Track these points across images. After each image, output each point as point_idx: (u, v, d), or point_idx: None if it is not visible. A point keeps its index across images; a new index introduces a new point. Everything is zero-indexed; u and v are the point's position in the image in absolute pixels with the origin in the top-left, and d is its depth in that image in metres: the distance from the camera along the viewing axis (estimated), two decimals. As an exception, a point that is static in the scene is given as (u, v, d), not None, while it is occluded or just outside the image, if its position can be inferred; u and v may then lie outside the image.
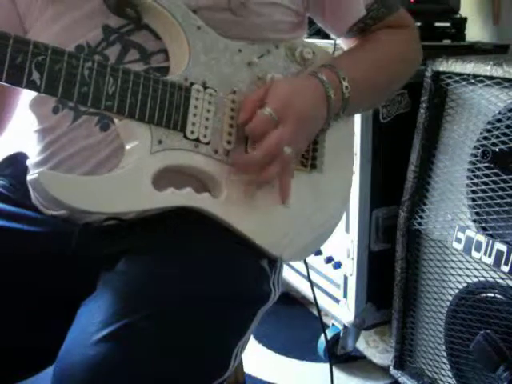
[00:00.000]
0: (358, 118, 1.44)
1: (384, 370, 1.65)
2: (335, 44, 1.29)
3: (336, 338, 1.68)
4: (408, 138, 1.41)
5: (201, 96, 0.77)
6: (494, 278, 1.23)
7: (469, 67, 1.26)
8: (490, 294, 1.24)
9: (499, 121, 1.21)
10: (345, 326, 1.65)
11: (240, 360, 0.97)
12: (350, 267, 1.56)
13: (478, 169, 1.26)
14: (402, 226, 1.43)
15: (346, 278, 1.59)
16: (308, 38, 0.95)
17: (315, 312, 1.79)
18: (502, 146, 1.19)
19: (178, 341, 0.68)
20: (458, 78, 1.31)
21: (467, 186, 1.29)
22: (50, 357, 0.70)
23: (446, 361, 1.38)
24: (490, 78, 1.22)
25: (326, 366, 1.32)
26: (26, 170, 0.90)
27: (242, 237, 0.80)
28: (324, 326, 1.36)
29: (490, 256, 1.21)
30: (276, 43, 0.85)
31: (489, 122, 1.24)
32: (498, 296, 1.22)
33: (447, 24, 1.67)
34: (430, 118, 1.36)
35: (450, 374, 1.37)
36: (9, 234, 0.81)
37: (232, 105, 0.80)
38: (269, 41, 0.84)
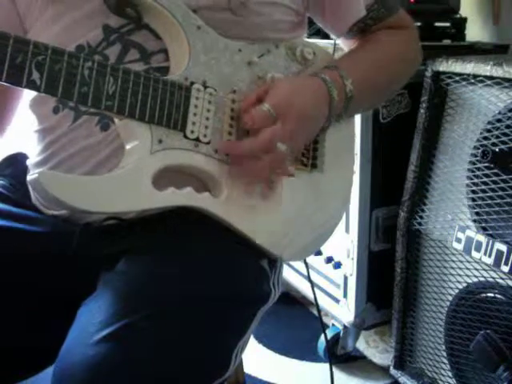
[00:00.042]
0: (358, 118, 1.44)
1: (384, 370, 1.65)
2: (335, 44, 1.29)
3: (336, 337, 1.68)
4: (408, 138, 1.41)
5: (201, 95, 0.77)
6: (493, 277, 1.23)
7: (469, 67, 1.26)
8: (490, 294, 1.24)
9: (499, 121, 1.21)
10: (345, 326, 1.65)
11: (240, 360, 0.97)
12: (350, 267, 1.56)
13: (478, 169, 1.26)
14: (402, 226, 1.43)
15: (345, 278, 1.59)
16: (308, 37, 0.95)
17: (315, 312, 1.79)
18: (502, 146, 1.19)
19: (178, 341, 0.68)
20: (458, 78, 1.31)
21: (467, 186, 1.29)
22: (50, 357, 0.70)
23: (446, 361, 1.38)
24: (490, 77, 1.22)
25: (326, 366, 1.32)
26: (25, 170, 0.90)
27: (242, 236, 0.80)
28: (324, 326, 1.36)
29: (490, 256, 1.21)
30: (276, 43, 0.85)
31: (489, 122, 1.24)
32: (498, 296, 1.22)
33: (447, 24, 1.67)
34: (430, 118, 1.36)
35: (450, 373, 1.37)
36: (9, 234, 0.81)
37: (232, 104, 0.80)
38: (269, 40, 0.84)
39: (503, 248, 1.18)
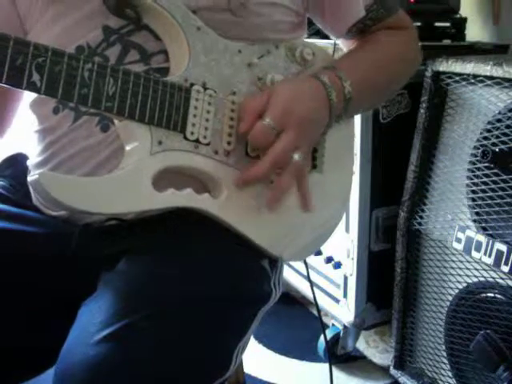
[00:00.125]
0: (358, 118, 1.44)
1: (384, 370, 1.65)
2: (335, 44, 1.29)
3: (336, 337, 1.69)
4: (408, 138, 1.41)
5: (201, 97, 0.77)
6: (493, 278, 1.23)
7: (469, 67, 1.26)
8: (490, 294, 1.24)
9: (499, 121, 1.22)
10: (345, 326, 1.66)
11: (240, 360, 0.97)
12: (350, 267, 1.56)
13: (478, 169, 1.26)
14: (402, 226, 1.43)
15: (345, 278, 1.59)
16: (308, 38, 0.95)
17: (315, 312, 1.79)
18: (502, 146, 1.19)
19: (179, 341, 0.68)
20: (458, 78, 1.31)
21: (467, 186, 1.29)
22: (51, 358, 0.70)
23: (446, 361, 1.38)
24: (490, 77, 1.22)
25: (326, 366, 1.32)
26: (26, 171, 0.90)
27: (242, 237, 0.80)
28: (324, 326, 1.36)
29: (490, 256, 1.21)
30: (276, 43, 0.85)
31: (489, 122, 1.24)
32: (498, 296, 1.22)
33: (447, 24, 1.67)
34: (430, 118, 1.36)
35: (450, 373, 1.37)
36: (9, 235, 0.81)
37: (232, 106, 0.80)
38: (269, 41, 0.84)
39: (503, 248, 1.18)
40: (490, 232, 1.23)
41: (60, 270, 0.80)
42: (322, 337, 1.67)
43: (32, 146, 0.87)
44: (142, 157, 0.73)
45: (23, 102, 0.93)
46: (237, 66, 0.81)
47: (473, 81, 1.27)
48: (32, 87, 0.65)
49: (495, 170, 1.21)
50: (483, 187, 1.24)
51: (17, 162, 0.93)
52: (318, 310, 1.21)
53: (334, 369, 1.34)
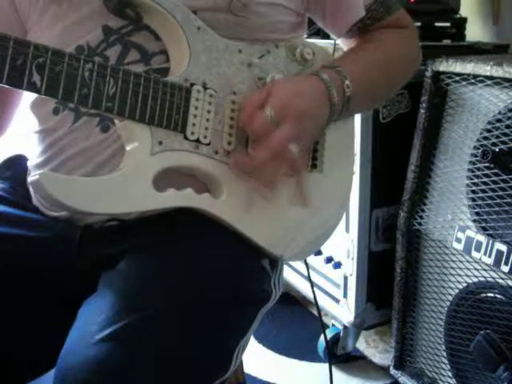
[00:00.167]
0: (358, 118, 1.44)
1: (384, 370, 1.65)
2: (335, 44, 1.29)
3: (336, 338, 1.69)
4: (408, 138, 1.41)
5: (201, 97, 0.77)
6: (494, 278, 1.23)
7: (469, 67, 1.26)
8: (490, 294, 1.24)
9: (499, 121, 1.22)
10: (345, 326, 1.66)
11: (240, 360, 0.97)
12: (350, 267, 1.56)
13: (478, 169, 1.26)
14: (402, 226, 1.43)
15: (345, 278, 1.59)
16: (308, 37, 0.95)
17: (315, 312, 1.79)
18: (502, 146, 1.19)
19: (179, 341, 0.68)
20: (458, 78, 1.31)
21: (467, 185, 1.29)
22: (52, 358, 0.69)
23: (446, 361, 1.38)
24: (490, 77, 1.22)
25: (326, 366, 1.32)
26: (26, 172, 0.90)
27: (242, 237, 0.80)
28: (324, 326, 1.36)
29: (489, 256, 1.21)
30: (276, 43, 0.85)
31: (489, 122, 1.24)
32: (498, 296, 1.22)
33: (447, 24, 1.67)
34: (430, 118, 1.36)
35: (450, 374, 1.37)
36: (10, 237, 0.81)
37: (232, 105, 0.80)
38: (269, 41, 0.84)
39: (503, 248, 1.18)
40: (490, 232, 1.23)
41: (61, 271, 0.80)
42: (322, 337, 1.67)
43: (32, 147, 0.87)
44: (142, 157, 0.73)
45: (23, 102, 0.93)
46: (237, 66, 0.81)
47: (473, 81, 1.27)
48: (32, 87, 0.65)
49: (495, 170, 1.21)
50: (483, 187, 1.24)
51: (17, 164, 0.92)
52: (318, 310, 1.21)
53: (333, 369, 1.34)
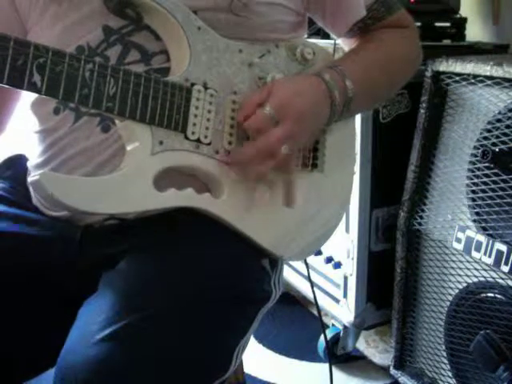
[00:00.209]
0: (358, 118, 1.44)
1: (384, 370, 1.65)
2: (335, 44, 1.29)
3: (336, 338, 1.69)
4: (408, 138, 1.41)
5: (201, 96, 0.77)
6: (494, 278, 1.23)
7: (469, 67, 1.26)
8: (490, 294, 1.24)
9: (499, 121, 1.22)
10: (345, 326, 1.66)
11: (240, 360, 0.97)
12: (350, 267, 1.56)
13: (478, 169, 1.26)
14: (402, 226, 1.43)
15: (345, 278, 1.59)
16: (308, 37, 0.95)
17: (315, 312, 1.79)
18: (502, 146, 1.19)
19: (179, 341, 0.68)
20: (458, 78, 1.31)
21: (467, 186, 1.29)
22: (52, 357, 0.69)
23: (446, 361, 1.38)
24: (490, 77, 1.23)
25: (326, 366, 1.32)
26: (26, 172, 0.90)
27: (243, 237, 0.80)
28: (324, 326, 1.36)
29: (489, 256, 1.21)
30: (276, 43, 0.85)
31: (489, 122, 1.24)
32: (498, 296, 1.22)
33: (447, 24, 1.67)
34: (430, 118, 1.36)
35: (450, 374, 1.37)
36: (10, 236, 0.81)
37: (233, 105, 0.80)
38: (269, 41, 0.84)
39: (503, 248, 1.18)
40: (490, 232, 1.23)
41: (61, 270, 0.80)
42: (322, 337, 1.67)
43: (32, 147, 0.87)
44: (142, 157, 0.73)
45: (22, 102, 0.93)
46: (237, 66, 0.81)
47: (473, 81, 1.27)
48: (33, 88, 0.65)
49: (495, 170, 1.21)
50: (483, 187, 1.24)
51: (17, 164, 0.92)
52: (318, 310, 1.21)
53: (333, 369, 1.33)
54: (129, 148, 0.74)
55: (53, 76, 0.66)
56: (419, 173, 1.39)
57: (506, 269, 1.18)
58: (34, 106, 0.85)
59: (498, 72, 1.20)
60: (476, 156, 1.25)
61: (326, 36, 1.46)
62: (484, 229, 1.25)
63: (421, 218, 1.40)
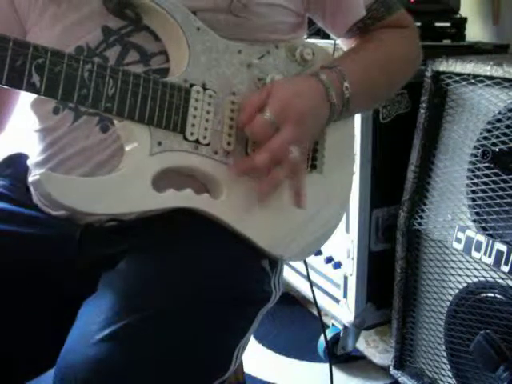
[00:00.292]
0: (358, 118, 1.44)
1: (384, 370, 1.65)
2: (335, 44, 1.29)
3: (336, 338, 1.69)
4: (408, 138, 1.41)
5: (200, 97, 0.77)
6: (493, 278, 1.23)
7: (469, 67, 1.26)
8: (490, 294, 1.24)
9: (499, 121, 1.22)
10: (345, 326, 1.66)
11: (240, 360, 0.98)
12: (350, 267, 1.56)
13: (478, 169, 1.26)
14: (402, 226, 1.43)
15: (345, 278, 1.59)
16: (308, 38, 0.95)
17: (315, 312, 1.79)
18: (502, 146, 1.19)
19: (179, 341, 0.68)
20: (458, 78, 1.31)
21: (467, 185, 1.29)
22: (52, 358, 0.70)
23: (446, 361, 1.38)
24: (490, 77, 1.22)
25: (326, 366, 1.32)
26: (26, 170, 0.90)
27: (242, 237, 0.80)
28: (324, 326, 1.36)
29: (489, 256, 1.21)
30: (276, 44, 0.85)
31: (489, 122, 1.24)
32: (498, 296, 1.22)
33: (447, 24, 1.67)
34: (430, 118, 1.36)
35: (450, 374, 1.37)
36: (10, 234, 0.81)
37: (232, 106, 0.80)
38: (269, 41, 0.84)
39: (503, 248, 1.18)
40: (490, 232, 1.23)
41: (60, 269, 0.80)
42: (321, 337, 1.67)
43: (32, 146, 0.87)
44: (141, 157, 0.73)
45: (22, 101, 0.93)
46: (237, 67, 0.81)
47: (473, 81, 1.27)
48: (32, 88, 0.65)
49: (495, 170, 1.21)
50: (483, 187, 1.24)
51: (17, 162, 0.93)
52: (318, 310, 1.21)
53: (334, 369, 1.33)
54: (127, 148, 0.74)
55: (52, 76, 0.66)
56: (419, 173, 1.39)
57: (505, 269, 1.18)
58: (33, 105, 0.86)
59: (498, 72, 1.20)
60: (476, 156, 1.25)
61: (326, 36, 1.46)
62: (484, 229, 1.25)
63: (421, 217, 1.40)
